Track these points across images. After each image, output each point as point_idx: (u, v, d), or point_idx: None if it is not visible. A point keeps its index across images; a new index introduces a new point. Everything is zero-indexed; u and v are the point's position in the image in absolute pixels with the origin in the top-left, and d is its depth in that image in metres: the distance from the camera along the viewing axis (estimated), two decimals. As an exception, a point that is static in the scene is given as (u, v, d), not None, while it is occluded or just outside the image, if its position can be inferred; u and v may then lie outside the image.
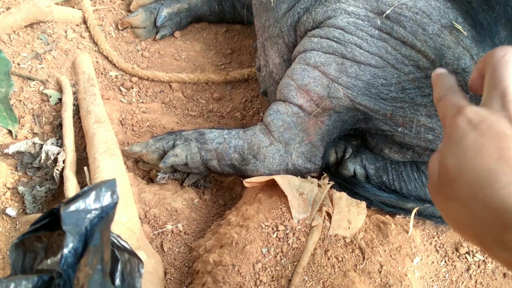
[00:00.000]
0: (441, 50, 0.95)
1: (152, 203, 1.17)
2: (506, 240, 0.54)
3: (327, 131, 1.16)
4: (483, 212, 0.57)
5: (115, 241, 0.77)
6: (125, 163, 1.26)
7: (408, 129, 1.07)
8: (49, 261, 0.73)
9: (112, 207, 0.75)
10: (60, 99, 1.44)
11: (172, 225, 1.14)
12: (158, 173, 1.26)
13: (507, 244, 0.55)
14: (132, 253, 0.79)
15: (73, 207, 0.71)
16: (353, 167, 1.23)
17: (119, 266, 0.74)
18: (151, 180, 1.29)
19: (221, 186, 1.33)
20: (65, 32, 1.65)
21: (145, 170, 1.30)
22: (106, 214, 0.74)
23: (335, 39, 1.07)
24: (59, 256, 0.68)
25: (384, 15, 1.02)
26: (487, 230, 0.57)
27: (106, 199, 0.75)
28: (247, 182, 1.11)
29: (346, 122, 1.15)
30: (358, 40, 1.04)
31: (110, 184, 0.76)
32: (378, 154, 1.23)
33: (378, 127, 1.11)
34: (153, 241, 1.11)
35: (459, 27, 0.93)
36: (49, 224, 0.76)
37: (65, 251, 0.67)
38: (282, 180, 1.08)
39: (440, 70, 0.84)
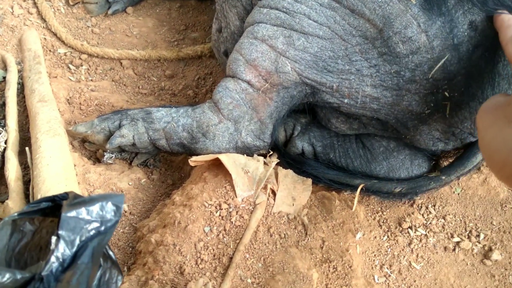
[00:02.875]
0: (389, 18, 0.94)
1: (97, 183, 1.14)
2: None
3: (276, 108, 1.14)
4: None
5: (104, 249, 0.77)
6: (71, 143, 1.23)
7: (354, 100, 1.07)
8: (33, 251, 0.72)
9: (112, 224, 0.74)
10: (4, 78, 1.39)
11: (117, 206, 1.12)
12: (105, 153, 1.23)
13: None
14: (115, 263, 0.78)
15: (74, 212, 0.70)
16: (301, 144, 1.22)
17: (99, 272, 0.74)
18: (98, 160, 1.26)
19: (171, 165, 1.31)
20: (12, 8, 1.59)
21: (92, 150, 1.27)
22: (104, 231, 0.73)
23: (284, 9, 1.04)
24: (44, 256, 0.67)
25: None
26: None
27: (109, 214, 0.74)
28: (192, 161, 1.10)
29: (294, 98, 1.14)
30: (307, 9, 1.02)
31: (117, 200, 0.75)
32: (325, 132, 1.23)
33: (325, 100, 1.10)
34: (98, 222, 1.09)
35: None
36: (46, 209, 0.75)
37: (53, 256, 0.66)
38: (227, 159, 1.07)
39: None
